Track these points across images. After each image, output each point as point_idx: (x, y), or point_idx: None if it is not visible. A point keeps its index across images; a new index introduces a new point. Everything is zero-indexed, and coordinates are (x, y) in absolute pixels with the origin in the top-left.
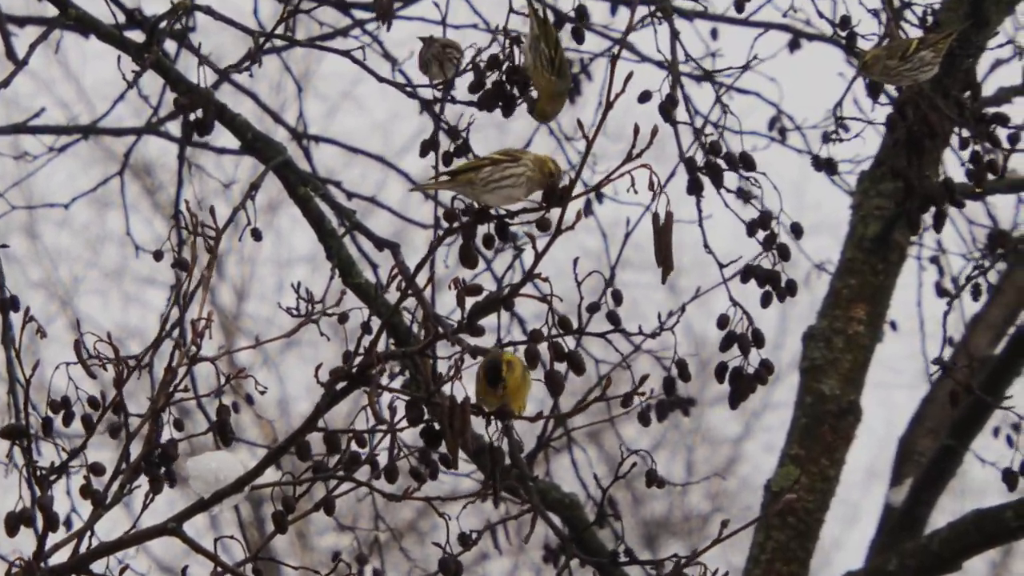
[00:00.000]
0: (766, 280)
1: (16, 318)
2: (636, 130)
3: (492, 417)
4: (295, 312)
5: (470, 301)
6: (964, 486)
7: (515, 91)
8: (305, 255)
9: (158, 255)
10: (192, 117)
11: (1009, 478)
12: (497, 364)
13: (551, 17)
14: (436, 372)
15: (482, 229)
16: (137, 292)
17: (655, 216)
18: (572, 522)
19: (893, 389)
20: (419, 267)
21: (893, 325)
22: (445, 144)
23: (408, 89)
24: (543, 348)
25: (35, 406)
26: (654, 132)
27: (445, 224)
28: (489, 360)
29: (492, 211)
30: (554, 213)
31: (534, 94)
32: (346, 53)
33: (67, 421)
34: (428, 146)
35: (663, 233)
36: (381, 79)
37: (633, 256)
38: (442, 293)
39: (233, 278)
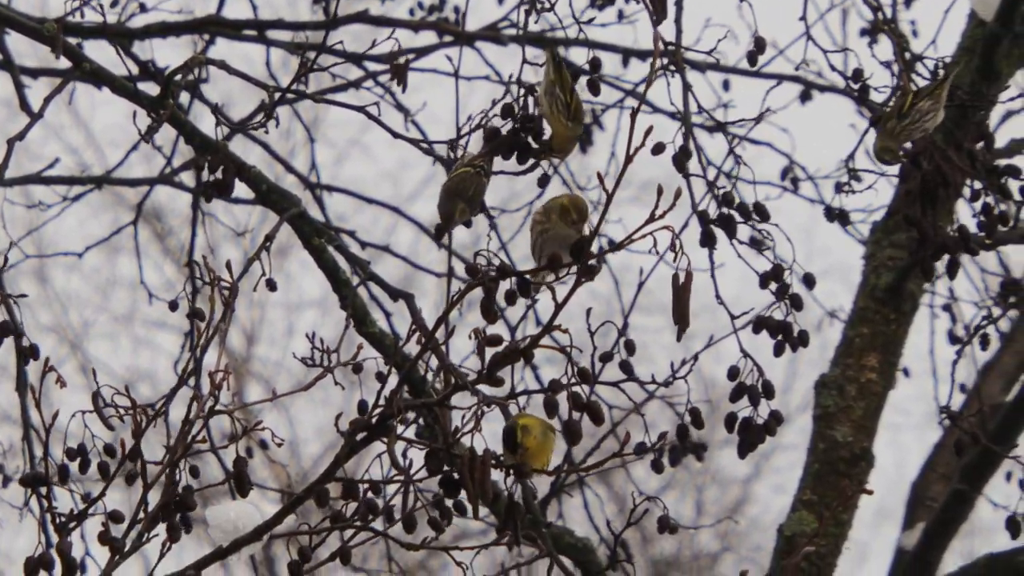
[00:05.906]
0: (778, 331)
1: (32, 364)
2: (660, 190)
3: (510, 471)
4: (310, 362)
5: (489, 352)
6: (974, 527)
7: (529, 139)
8: (315, 299)
9: (173, 305)
10: (211, 177)
11: (1012, 526)
12: (512, 430)
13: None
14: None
15: (504, 284)
16: (147, 336)
17: (675, 276)
18: (586, 566)
19: (902, 430)
20: (438, 322)
21: (906, 372)
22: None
23: (423, 145)
24: (562, 398)
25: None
26: (677, 194)
27: (465, 276)
28: (505, 427)
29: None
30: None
31: (548, 139)
32: (361, 109)
33: (83, 468)
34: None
35: (682, 293)
36: (396, 135)
37: (642, 299)
38: (453, 338)
39: (243, 321)
